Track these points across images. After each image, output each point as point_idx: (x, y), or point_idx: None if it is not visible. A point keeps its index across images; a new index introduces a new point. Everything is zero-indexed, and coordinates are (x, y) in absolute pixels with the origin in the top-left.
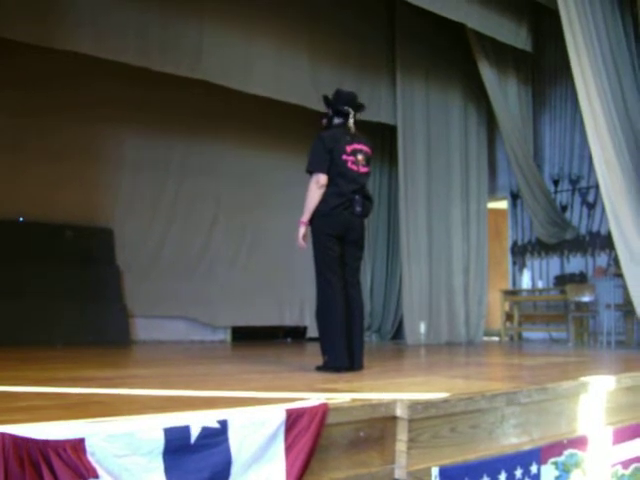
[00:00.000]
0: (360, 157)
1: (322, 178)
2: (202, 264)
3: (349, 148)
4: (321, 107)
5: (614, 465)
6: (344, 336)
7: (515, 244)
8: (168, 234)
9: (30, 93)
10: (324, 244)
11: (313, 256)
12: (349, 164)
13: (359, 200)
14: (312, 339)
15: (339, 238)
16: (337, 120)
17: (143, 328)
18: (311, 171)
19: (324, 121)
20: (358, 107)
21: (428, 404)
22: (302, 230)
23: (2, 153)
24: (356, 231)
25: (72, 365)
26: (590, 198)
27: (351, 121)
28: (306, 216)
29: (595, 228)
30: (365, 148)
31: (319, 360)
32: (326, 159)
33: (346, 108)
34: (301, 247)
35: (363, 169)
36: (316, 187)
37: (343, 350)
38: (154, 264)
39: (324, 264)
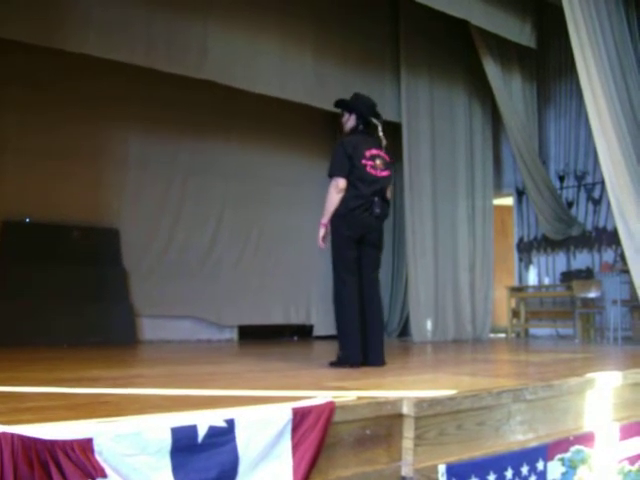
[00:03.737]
0: (378, 162)
1: (341, 182)
2: (208, 263)
3: (368, 153)
4: (325, 105)
5: (621, 461)
6: (357, 333)
7: (521, 240)
8: (174, 233)
9: (34, 91)
10: (342, 245)
11: (331, 255)
12: (368, 168)
13: (378, 202)
14: (319, 337)
15: (358, 240)
16: (361, 126)
17: (149, 328)
18: (331, 175)
19: (348, 124)
20: (379, 115)
21: (434, 401)
22: (322, 232)
23: (7, 153)
24: (374, 233)
25: (78, 365)
26: (596, 194)
27: (381, 134)
28: (325, 218)
29: (601, 224)
30: (384, 154)
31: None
32: (346, 164)
33: (375, 121)
34: (321, 248)
35: (382, 173)
36: (335, 191)
37: (356, 347)
38: (160, 264)
39: (341, 264)
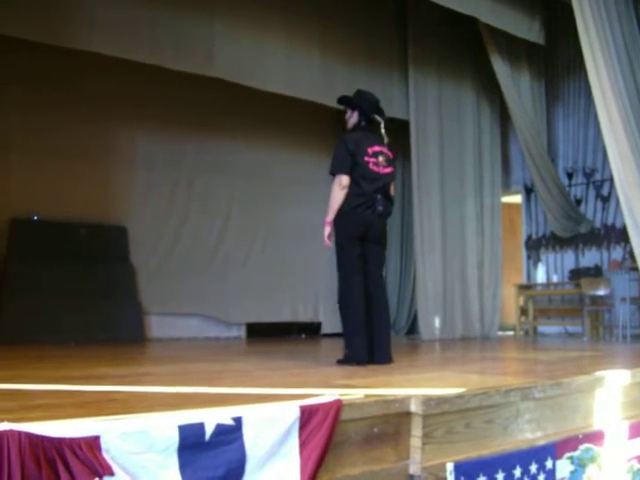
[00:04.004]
0: (381, 159)
1: (344, 179)
2: (216, 261)
3: (370, 150)
4: (333, 102)
5: (630, 460)
6: (363, 332)
7: (529, 238)
8: (182, 231)
9: (41, 91)
10: (345, 244)
11: (336, 254)
12: (370, 165)
13: (381, 199)
14: (326, 335)
15: (361, 237)
16: (364, 123)
17: (157, 325)
18: (334, 173)
19: (350, 120)
20: (382, 112)
21: (442, 400)
22: (327, 230)
23: (15, 151)
24: (377, 230)
25: (87, 363)
26: (604, 191)
27: (383, 131)
28: (330, 216)
29: (610, 221)
30: (386, 151)
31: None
32: (348, 161)
33: (377, 117)
34: (327, 246)
35: (385, 170)
36: (339, 188)
37: (361, 345)
38: (168, 261)
39: (346, 262)
